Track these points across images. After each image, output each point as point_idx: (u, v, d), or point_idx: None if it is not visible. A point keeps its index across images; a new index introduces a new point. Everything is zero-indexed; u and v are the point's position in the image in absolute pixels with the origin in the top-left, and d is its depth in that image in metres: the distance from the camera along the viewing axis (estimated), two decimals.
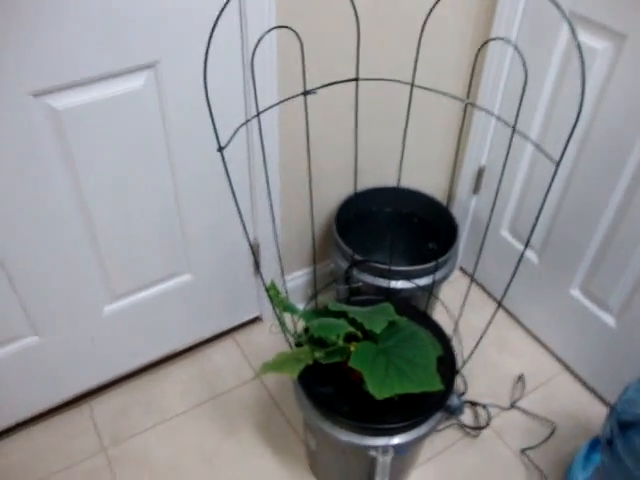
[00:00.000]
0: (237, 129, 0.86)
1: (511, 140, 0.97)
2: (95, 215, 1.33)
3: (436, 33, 1.54)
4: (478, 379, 1.76)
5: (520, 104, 0.85)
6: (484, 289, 2.05)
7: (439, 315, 1.83)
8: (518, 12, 1.51)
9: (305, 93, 0.99)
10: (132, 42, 1.13)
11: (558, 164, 0.83)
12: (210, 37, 0.72)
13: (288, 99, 0.97)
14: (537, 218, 0.93)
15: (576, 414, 1.69)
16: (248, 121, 0.84)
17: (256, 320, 1.90)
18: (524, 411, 1.69)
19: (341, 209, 1.69)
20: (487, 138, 1.74)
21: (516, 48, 0.81)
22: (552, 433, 1.64)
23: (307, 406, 1.23)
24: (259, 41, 0.80)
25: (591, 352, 1.69)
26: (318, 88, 0.98)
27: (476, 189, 1.86)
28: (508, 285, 1.12)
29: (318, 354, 1.14)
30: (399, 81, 0.99)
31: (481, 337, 1.22)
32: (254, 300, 1.82)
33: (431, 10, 0.90)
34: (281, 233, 1.69)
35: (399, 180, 1.06)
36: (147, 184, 1.36)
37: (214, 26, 0.70)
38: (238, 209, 0.91)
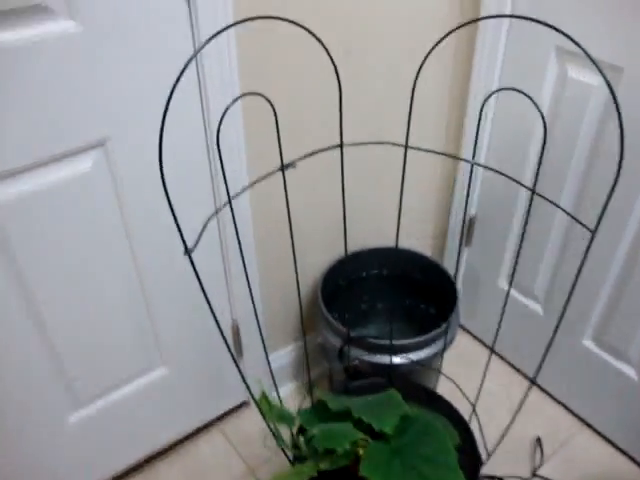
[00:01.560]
0: (206, 223, 0.71)
1: (530, 204, 0.84)
2: (47, 316, 1.15)
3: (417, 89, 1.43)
4: (491, 445, 1.59)
5: (539, 165, 0.72)
6: (483, 343, 1.90)
7: (444, 384, 1.68)
8: (497, 61, 1.41)
9: (283, 168, 0.84)
10: (74, 119, 0.98)
11: (594, 233, 0.70)
12: (164, 117, 0.57)
13: (265, 177, 0.82)
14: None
15: (603, 476, 1.54)
16: (218, 211, 0.70)
17: (242, 405, 1.72)
18: (547, 479, 1.53)
19: (326, 278, 1.54)
20: (475, 188, 1.62)
21: (532, 100, 0.68)
22: None
23: None
24: (225, 113, 0.66)
25: (611, 406, 1.55)
26: (298, 160, 0.84)
27: (468, 241, 1.73)
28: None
29: (323, 465, 0.97)
30: (393, 143, 0.85)
31: (506, 429, 1.07)
32: (238, 385, 1.65)
33: (420, 67, 0.77)
34: (262, 311, 1.53)
35: (397, 240, 0.92)
36: (106, 276, 1.20)
37: (168, 100, 0.56)
38: (208, 302, 0.75)
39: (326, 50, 0.74)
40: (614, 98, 0.59)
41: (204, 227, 0.71)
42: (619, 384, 1.49)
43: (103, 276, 1.19)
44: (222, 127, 1.16)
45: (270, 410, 0.93)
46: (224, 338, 0.84)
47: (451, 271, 1.79)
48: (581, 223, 0.71)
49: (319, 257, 1.58)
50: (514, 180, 0.81)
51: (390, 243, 1.66)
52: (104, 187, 1.09)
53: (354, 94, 1.36)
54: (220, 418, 1.68)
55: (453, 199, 1.69)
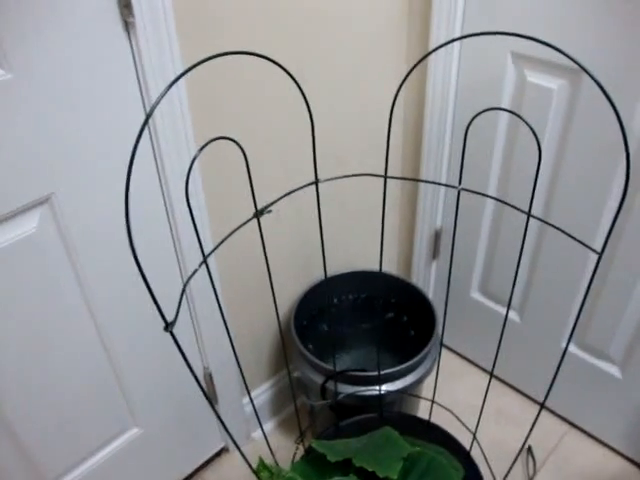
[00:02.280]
0: (182, 292, 0.63)
1: (526, 228, 0.80)
2: (2, 393, 1.04)
3: (373, 112, 1.39)
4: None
5: (534, 187, 0.67)
6: (459, 354, 1.87)
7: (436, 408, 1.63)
8: (451, 85, 1.38)
9: (258, 214, 0.77)
10: (12, 176, 0.88)
11: (600, 255, 0.66)
12: (128, 177, 0.50)
13: (240, 226, 0.75)
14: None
15: (597, 476, 1.52)
16: (191, 277, 0.62)
17: (222, 452, 1.63)
18: None
19: (298, 310, 1.46)
20: (439, 200, 1.58)
21: (527, 123, 0.64)
22: None
23: None
24: (192, 163, 0.59)
25: (597, 405, 1.53)
26: (273, 203, 0.77)
27: (435, 253, 1.69)
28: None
29: None
30: (372, 175, 0.79)
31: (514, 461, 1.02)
32: (216, 432, 1.56)
33: (394, 102, 0.72)
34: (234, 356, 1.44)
35: (381, 265, 0.87)
36: (65, 344, 1.09)
37: (131, 162, 0.48)
38: (190, 367, 0.67)
39: (295, 82, 0.68)
40: (622, 129, 0.54)
41: (182, 297, 0.63)
42: (604, 383, 1.47)
43: (61, 344, 1.08)
44: (178, 182, 1.08)
45: (272, 477, 0.85)
46: (204, 392, 0.76)
47: (421, 286, 1.75)
48: (589, 247, 0.67)
49: (288, 289, 1.51)
50: (499, 200, 0.76)
51: (353, 268, 1.61)
52: (53, 248, 0.99)
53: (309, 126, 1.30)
54: (200, 468, 1.58)
55: (417, 216, 1.65)
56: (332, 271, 1.57)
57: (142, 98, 0.98)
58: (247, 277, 1.36)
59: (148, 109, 0.98)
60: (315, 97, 1.27)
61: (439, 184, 0.77)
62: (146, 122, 0.52)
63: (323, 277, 1.55)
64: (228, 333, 0.85)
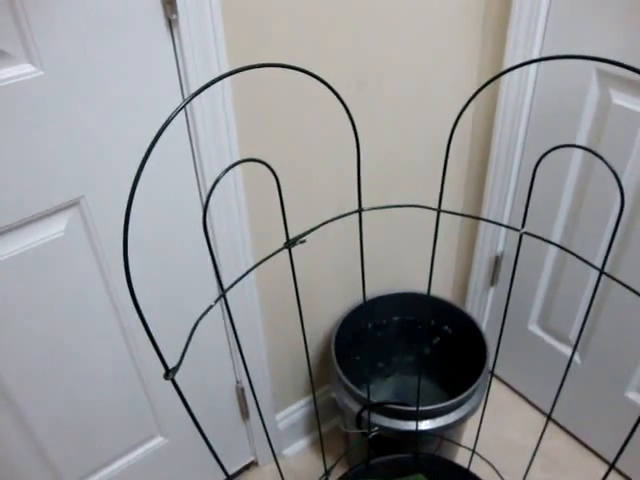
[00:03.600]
0: (191, 333, 0.56)
1: (597, 284, 0.69)
2: (21, 398, 1.00)
3: (438, 134, 1.29)
4: None
5: (612, 240, 0.57)
6: (511, 388, 1.75)
7: (473, 434, 1.52)
8: (525, 107, 1.26)
9: (289, 244, 0.70)
10: (40, 178, 0.83)
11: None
12: (134, 186, 0.43)
13: (269, 257, 0.68)
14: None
15: None
16: (200, 318, 0.55)
17: (251, 466, 1.57)
18: None
19: (340, 330, 1.38)
20: (502, 228, 1.46)
21: (603, 159, 0.53)
22: None
23: None
24: (214, 185, 0.52)
25: None
26: (307, 233, 0.69)
27: (493, 280, 1.58)
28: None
29: None
30: (424, 207, 0.70)
31: None
32: (245, 445, 1.50)
33: (453, 128, 0.62)
34: (270, 369, 1.37)
35: (429, 287, 0.78)
36: (91, 349, 1.05)
37: (142, 165, 0.42)
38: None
39: (340, 100, 0.60)
40: None
41: (188, 342, 0.56)
42: None
43: (88, 348, 1.04)
44: (221, 196, 1.02)
45: None
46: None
47: (476, 313, 1.64)
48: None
49: (333, 308, 1.43)
50: (563, 249, 0.66)
51: (409, 289, 1.51)
52: (82, 251, 0.94)
53: (366, 148, 1.21)
54: None
55: (477, 241, 1.53)
56: (380, 291, 1.48)
57: (186, 113, 0.92)
58: (287, 294, 1.29)
59: (189, 113, 0.92)
60: (374, 111, 1.18)
61: (499, 224, 0.67)
62: (160, 132, 0.45)
63: (370, 297, 1.46)
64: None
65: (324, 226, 1.21)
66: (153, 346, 0.49)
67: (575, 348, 0.79)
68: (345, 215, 0.71)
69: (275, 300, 1.27)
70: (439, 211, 0.71)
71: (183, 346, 0.56)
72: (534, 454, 0.98)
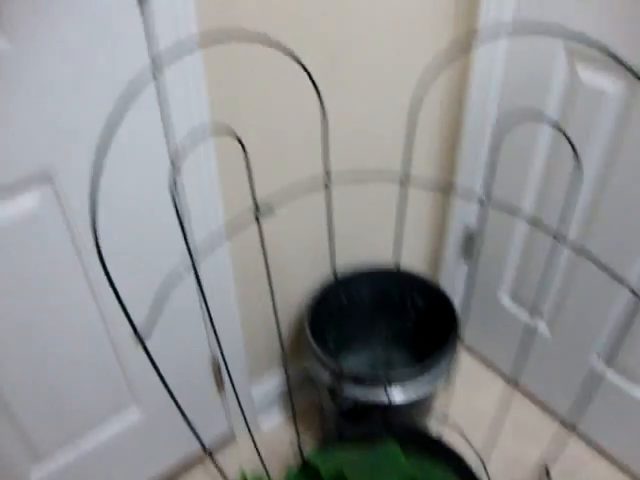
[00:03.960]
0: (157, 304, 0.57)
1: (558, 253, 0.71)
2: None
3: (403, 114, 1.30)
4: (499, 477, 1.48)
5: (568, 208, 0.59)
6: (483, 360, 1.78)
7: (440, 403, 1.55)
8: (495, 79, 1.27)
9: (258, 215, 0.71)
10: (10, 147, 0.83)
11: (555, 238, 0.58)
12: (99, 156, 0.44)
13: (238, 229, 0.69)
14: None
15: None
16: (168, 290, 0.56)
17: (228, 439, 1.59)
18: None
19: (314, 305, 1.40)
20: (474, 201, 1.48)
21: (566, 136, 0.55)
22: None
23: None
24: (181, 156, 0.53)
25: (628, 432, 1.43)
26: (273, 207, 0.70)
27: (466, 255, 1.60)
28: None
29: None
30: (389, 179, 0.72)
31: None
32: (221, 418, 1.52)
33: (425, 91, 0.64)
34: (244, 343, 1.39)
35: (398, 263, 0.80)
36: (65, 322, 1.06)
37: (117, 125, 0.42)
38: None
39: (309, 76, 0.61)
40: None
41: (156, 307, 0.57)
42: (633, 408, 1.37)
43: (61, 322, 1.05)
44: (191, 167, 1.02)
45: None
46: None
47: (448, 287, 1.66)
48: (635, 293, 0.59)
49: (306, 281, 1.44)
50: (544, 230, 0.68)
51: (383, 263, 1.53)
52: (55, 226, 0.95)
53: (337, 118, 1.22)
54: (202, 455, 1.54)
55: (449, 216, 1.55)
56: (354, 265, 1.50)
57: (157, 83, 0.92)
58: (261, 267, 1.30)
59: (159, 87, 0.92)
60: (347, 82, 1.19)
61: (466, 197, 0.69)
62: (127, 104, 0.45)
63: (345, 270, 1.48)
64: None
65: (296, 199, 1.23)
66: (122, 309, 0.50)
67: (534, 313, 0.81)
68: (313, 190, 0.72)
69: (249, 272, 1.28)
70: (403, 181, 0.73)
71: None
72: (497, 424, 1.00)
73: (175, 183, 0.58)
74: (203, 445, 0.75)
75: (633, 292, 0.57)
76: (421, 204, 1.58)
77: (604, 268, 0.57)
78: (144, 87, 0.37)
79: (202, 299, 0.77)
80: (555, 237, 0.62)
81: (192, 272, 0.68)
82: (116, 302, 1.00)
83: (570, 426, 1.57)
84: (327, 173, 0.72)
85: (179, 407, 0.64)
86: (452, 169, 1.47)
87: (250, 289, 1.32)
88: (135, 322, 0.53)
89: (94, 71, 0.85)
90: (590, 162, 1.18)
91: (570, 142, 0.58)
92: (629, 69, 0.45)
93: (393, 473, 0.91)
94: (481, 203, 0.69)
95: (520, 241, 1.45)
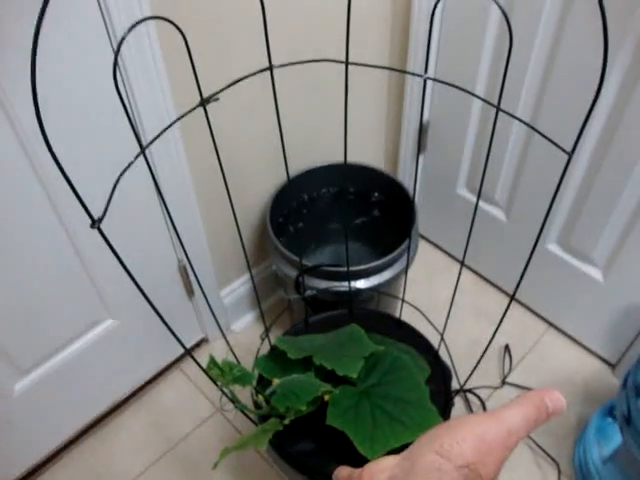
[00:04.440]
0: (115, 185, 0.58)
1: (495, 122, 0.74)
2: None
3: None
4: (461, 358, 1.56)
5: (504, 77, 0.61)
6: (445, 251, 1.85)
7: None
8: None
9: (203, 102, 0.71)
10: None
11: (571, 155, 0.61)
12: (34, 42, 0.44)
13: (184, 115, 0.69)
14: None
15: (571, 376, 1.54)
16: (124, 171, 0.57)
17: (202, 343, 1.65)
18: (517, 386, 1.52)
19: (274, 203, 1.42)
20: (426, 93, 1.49)
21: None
22: None
23: (288, 470, 1.00)
24: (122, 41, 0.53)
25: (577, 306, 1.52)
26: (220, 92, 0.70)
27: (422, 147, 1.63)
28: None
29: (287, 420, 0.90)
30: (333, 60, 0.72)
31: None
32: (194, 323, 1.57)
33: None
34: (210, 245, 1.41)
35: (345, 156, 0.82)
36: (26, 235, 1.06)
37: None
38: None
39: None
40: None
41: (113, 190, 0.59)
42: (585, 286, 1.45)
43: (23, 236, 1.05)
44: (137, 56, 1.00)
45: (222, 374, 0.85)
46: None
47: (407, 182, 1.70)
48: (558, 146, 0.61)
49: (266, 182, 1.46)
50: (478, 97, 0.70)
51: (341, 160, 1.54)
52: (3, 135, 0.94)
53: (285, 8, 1.19)
54: (179, 359, 1.60)
55: (404, 109, 1.56)
56: (311, 162, 1.51)
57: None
58: (218, 168, 1.31)
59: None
60: None
61: (403, 72, 0.70)
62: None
63: (302, 170, 1.49)
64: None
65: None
66: (75, 195, 0.51)
67: (478, 196, 0.85)
68: (256, 73, 0.73)
69: (206, 174, 1.28)
70: (347, 64, 0.73)
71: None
72: (451, 305, 1.06)
73: (116, 65, 0.58)
74: (180, 341, 0.79)
75: (570, 153, 0.60)
76: (376, 99, 1.58)
77: (551, 141, 0.60)
78: None
79: (159, 195, 0.78)
80: (498, 108, 0.64)
81: (145, 163, 0.69)
82: (74, 208, 1.01)
83: (526, 305, 1.66)
84: (269, 55, 0.72)
85: (153, 307, 0.67)
86: (405, 57, 1.47)
87: (209, 191, 1.32)
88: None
89: None
90: (539, 42, 1.19)
91: (500, 7, 0.59)
92: None
93: (356, 350, 0.96)
94: (424, 81, 0.71)
95: (473, 131, 1.47)
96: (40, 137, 0.47)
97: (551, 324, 1.64)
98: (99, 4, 0.91)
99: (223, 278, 1.54)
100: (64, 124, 1.00)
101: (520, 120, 0.66)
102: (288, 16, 1.22)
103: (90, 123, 1.03)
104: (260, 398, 0.89)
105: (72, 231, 1.12)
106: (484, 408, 1.46)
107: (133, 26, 0.58)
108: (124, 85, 1.03)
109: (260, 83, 1.17)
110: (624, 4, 1.03)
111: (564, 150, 0.61)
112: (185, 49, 0.66)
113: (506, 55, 0.64)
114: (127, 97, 1.04)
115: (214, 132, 0.80)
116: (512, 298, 0.86)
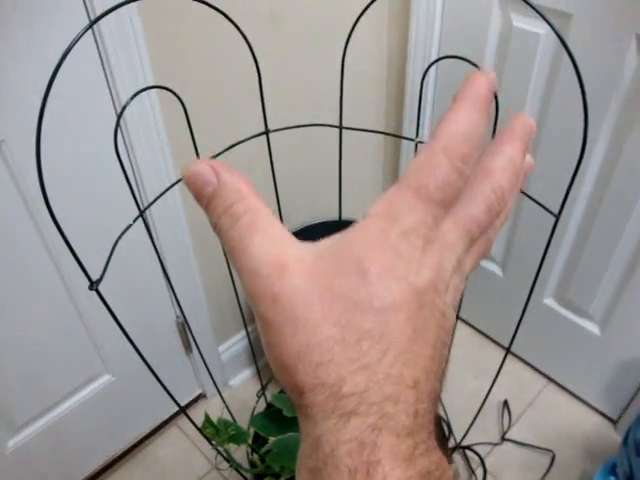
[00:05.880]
0: (114, 246, 0.60)
1: None
2: None
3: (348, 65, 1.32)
4: (459, 415, 1.55)
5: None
6: None
7: None
8: (436, 23, 1.30)
9: None
10: None
11: (558, 218, 0.63)
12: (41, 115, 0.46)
13: (176, 182, 0.71)
14: None
15: (572, 432, 1.52)
16: (123, 233, 0.59)
17: (199, 398, 1.63)
18: (517, 442, 1.50)
19: None
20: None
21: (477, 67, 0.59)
22: (552, 462, 1.46)
23: None
24: (122, 111, 0.55)
25: (576, 361, 1.52)
26: (217, 155, 0.73)
27: None
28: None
29: (283, 479, 0.89)
30: (328, 125, 0.75)
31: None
32: (191, 379, 1.56)
33: (351, 32, 0.67)
34: (208, 303, 1.42)
35: (340, 213, 0.84)
36: (26, 292, 1.07)
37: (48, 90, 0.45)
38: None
39: (240, 31, 0.63)
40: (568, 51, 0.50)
41: (111, 253, 0.60)
42: (583, 340, 1.45)
43: (23, 292, 1.07)
44: (139, 122, 1.04)
45: (217, 433, 0.84)
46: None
47: None
48: (546, 209, 0.63)
49: None
50: None
51: (330, 217, 1.57)
52: (8, 195, 0.96)
53: (283, 71, 1.24)
54: (176, 415, 1.59)
55: (399, 171, 1.60)
56: (309, 219, 1.53)
57: (95, 42, 0.93)
58: None
59: (99, 41, 0.93)
60: (294, 38, 1.21)
61: (395, 136, 0.73)
62: (65, 55, 0.48)
63: (301, 226, 1.52)
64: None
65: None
66: (74, 257, 0.52)
67: None
68: (252, 137, 0.75)
69: (206, 233, 1.30)
70: (341, 128, 0.76)
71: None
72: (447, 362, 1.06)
73: (117, 132, 0.60)
74: (175, 400, 0.79)
75: (557, 216, 0.62)
76: (374, 157, 1.62)
77: (539, 203, 0.62)
78: (77, 41, 0.39)
79: (157, 256, 0.80)
80: None
81: (144, 226, 0.71)
82: (76, 267, 1.02)
83: (525, 361, 1.66)
84: (265, 121, 0.75)
85: (149, 366, 0.68)
86: (401, 120, 1.51)
87: (208, 250, 1.34)
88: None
89: (33, 37, 0.86)
90: (530, 102, 1.23)
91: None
92: (538, 12, 0.49)
93: None
94: (415, 145, 0.73)
95: None
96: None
97: (550, 379, 1.63)
98: (104, 71, 0.95)
99: (222, 334, 1.55)
100: (67, 185, 1.02)
101: None
102: (285, 76, 1.26)
103: (92, 184, 1.06)
104: (255, 457, 0.88)
105: (72, 289, 1.13)
106: (483, 466, 1.44)
107: (135, 95, 0.61)
108: (125, 146, 1.06)
109: (257, 142, 1.21)
110: (611, 59, 1.07)
111: (551, 212, 0.63)
112: (183, 117, 0.69)
113: (494, 120, 0.67)
114: (129, 158, 1.07)
115: None
116: (508, 351, 0.86)
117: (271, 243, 0.24)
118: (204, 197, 0.26)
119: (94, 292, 0.58)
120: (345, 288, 0.23)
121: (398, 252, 0.23)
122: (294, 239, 0.25)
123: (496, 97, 0.65)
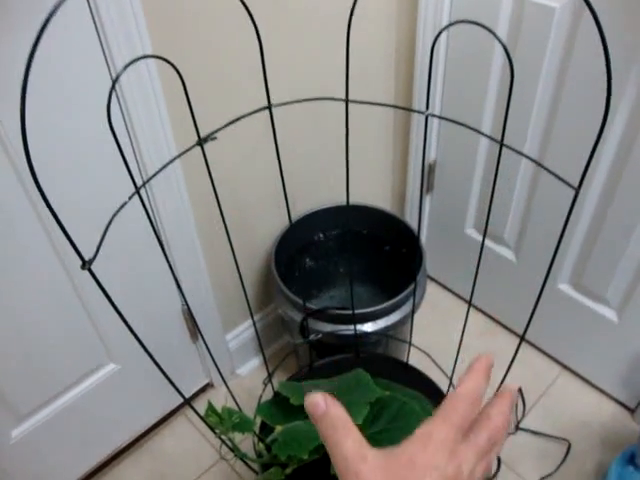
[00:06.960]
0: (107, 227, 0.57)
1: (499, 157, 0.72)
2: None
3: (355, 37, 1.28)
4: None
5: (507, 113, 0.59)
6: (452, 292, 1.81)
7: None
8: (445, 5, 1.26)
9: (201, 142, 0.70)
10: None
11: (577, 191, 0.59)
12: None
13: (180, 155, 0.68)
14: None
15: (588, 421, 1.48)
16: (116, 213, 0.56)
17: (207, 387, 1.61)
18: (532, 432, 1.47)
19: (279, 246, 1.40)
20: (432, 134, 1.48)
21: (491, 31, 0.55)
22: (568, 451, 1.42)
23: None
24: (115, 81, 0.52)
25: (592, 348, 1.48)
26: (217, 131, 0.69)
27: (429, 187, 1.61)
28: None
29: (290, 469, 0.86)
30: (332, 98, 0.71)
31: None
32: (198, 368, 1.53)
33: (350, 20, 0.63)
34: (214, 290, 1.39)
35: (347, 196, 0.80)
36: (27, 281, 1.05)
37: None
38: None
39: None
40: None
41: (105, 231, 0.57)
42: (599, 326, 1.41)
43: (22, 277, 1.04)
44: (138, 96, 1.00)
45: (221, 422, 0.81)
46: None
47: (415, 223, 1.67)
48: (565, 181, 0.59)
49: (271, 224, 1.44)
50: (478, 132, 0.68)
51: (340, 202, 1.53)
52: (6, 180, 0.93)
53: (289, 44, 1.20)
54: (183, 405, 1.56)
55: (410, 148, 1.56)
56: (317, 204, 1.50)
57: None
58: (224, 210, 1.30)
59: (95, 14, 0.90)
60: (299, 11, 1.17)
61: (404, 109, 0.69)
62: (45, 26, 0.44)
63: (307, 212, 1.48)
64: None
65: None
66: (65, 235, 0.49)
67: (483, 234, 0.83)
68: (254, 112, 0.72)
69: (211, 214, 1.27)
70: (347, 101, 0.72)
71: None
72: (459, 349, 1.03)
73: (110, 101, 0.57)
74: (177, 389, 0.76)
75: (577, 189, 0.58)
76: (383, 140, 1.58)
77: (557, 176, 0.58)
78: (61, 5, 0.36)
79: (156, 236, 0.77)
80: (501, 144, 0.62)
81: (140, 202, 0.68)
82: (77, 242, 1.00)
83: (539, 348, 1.62)
84: (267, 94, 0.71)
85: (151, 356, 0.65)
86: (410, 98, 1.47)
87: (213, 233, 1.31)
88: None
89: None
90: (544, 76, 1.19)
91: (499, 40, 0.58)
92: None
93: (362, 396, 0.93)
94: (426, 118, 0.69)
95: (481, 170, 1.46)
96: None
97: (565, 367, 1.59)
98: (99, 39, 0.91)
99: (229, 322, 1.52)
100: (63, 160, 0.99)
101: (525, 155, 0.64)
102: (290, 54, 1.22)
103: (93, 161, 1.02)
104: (261, 446, 0.85)
105: (73, 273, 1.10)
106: (498, 457, 1.41)
107: (128, 64, 0.58)
108: (124, 119, 1.02)
109: (262, 124, 1.17)
110: (629, 37, 1.02)
111: (571, 185, 0.59)
112: (189, 88, 0.65)
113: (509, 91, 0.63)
114: (127, 132, 1.03)
115: (217, 173, 0.79)
116: (522, 338, 0.82)
117: (357, 443, 0.37)
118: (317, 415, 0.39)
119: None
120: (403, 473, 0.35)
121: (434, 456, 0.36)
122: (369, 445, 0.37)
123: (511, 66, 0.61)
